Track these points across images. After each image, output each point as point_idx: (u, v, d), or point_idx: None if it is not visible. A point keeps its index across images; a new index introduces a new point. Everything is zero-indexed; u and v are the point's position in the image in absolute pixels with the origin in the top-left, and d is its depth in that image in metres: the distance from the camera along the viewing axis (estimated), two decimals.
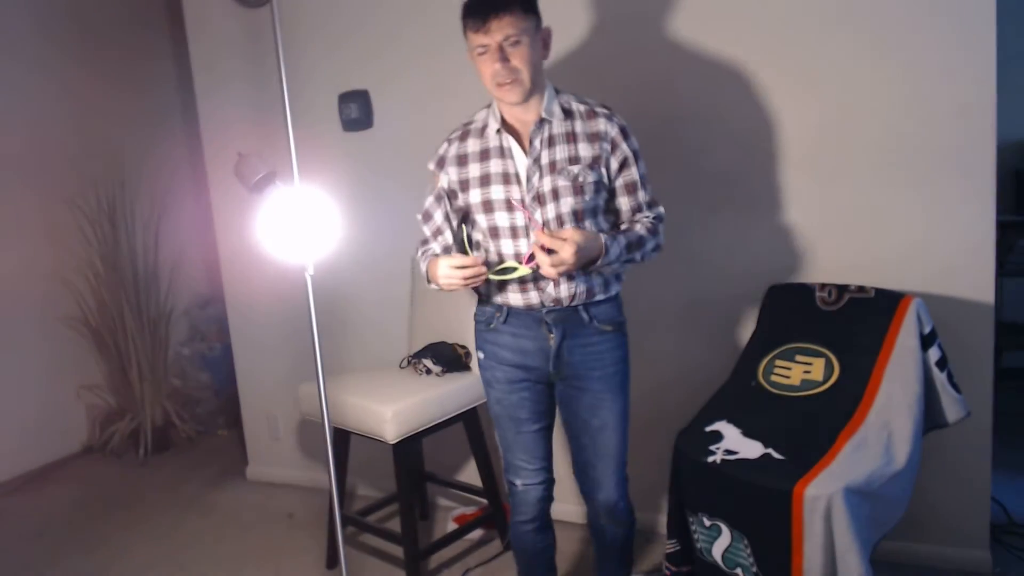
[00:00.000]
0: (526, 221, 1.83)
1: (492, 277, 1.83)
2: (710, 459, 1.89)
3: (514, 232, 1.86)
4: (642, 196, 1.91)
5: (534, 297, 1.87)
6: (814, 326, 2.14)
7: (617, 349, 1.94)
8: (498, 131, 1.86)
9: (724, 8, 2.36)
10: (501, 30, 1.73)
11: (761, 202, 2.41)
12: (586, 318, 1.89)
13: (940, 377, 1.99)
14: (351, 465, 2.62)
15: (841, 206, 2.33)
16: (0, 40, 3.58)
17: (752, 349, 2.22)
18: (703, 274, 2.52)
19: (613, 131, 1.85)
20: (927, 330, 2.00)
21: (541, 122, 1.84)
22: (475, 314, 2.02)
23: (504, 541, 2.68)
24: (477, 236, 1.93)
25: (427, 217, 1.97)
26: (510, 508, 2.09)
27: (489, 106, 1.91)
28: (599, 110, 1.88)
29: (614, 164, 1.86)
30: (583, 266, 1.76)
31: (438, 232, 1.96)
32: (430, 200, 1.96)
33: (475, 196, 1.88)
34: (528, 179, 1.84)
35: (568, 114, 1.86)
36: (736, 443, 1.92)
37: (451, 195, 1.93)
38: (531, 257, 1.77)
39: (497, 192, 1.85)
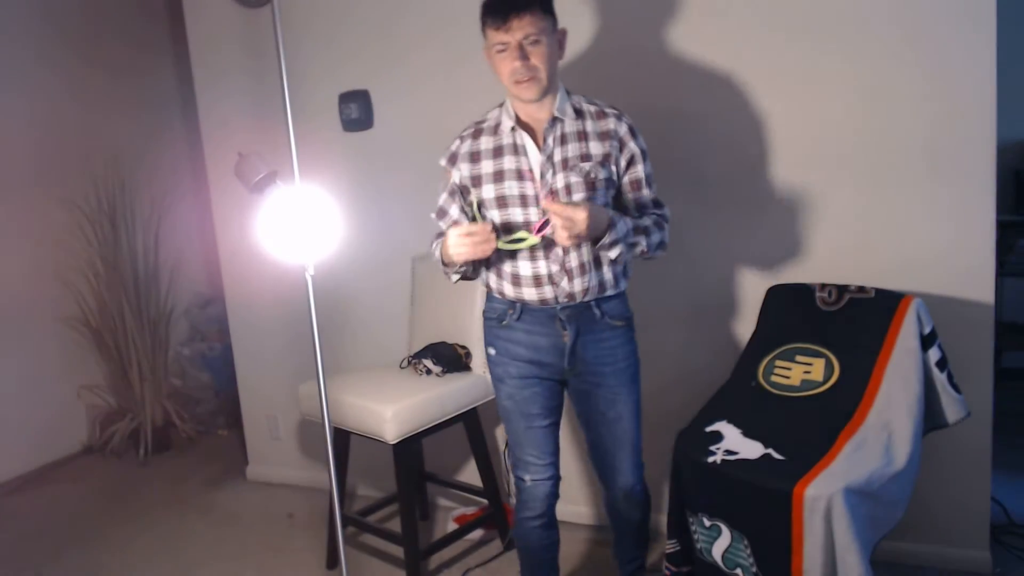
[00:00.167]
0: (539, 216, 1.84)
1: (501, 245, 1.84)
2: (710, 459, 1.89)
3: (527, 228, 1.87)
4: (648, 194, 1.94)
5: (548, 292, 1.90)
6: (814, 326, 2.14)
7: (628, 344, 1.99)
8: (513, 128, 1.89)
9: (724, 9, 2.36)
10: (521, 29, 1.77)
11: (761, 202, 2.41)
12: (598, 314, 1.93)
13: (940, 377, 1.99)
14: (351, 465, 2.62)
15: (841, 206, 2.33)
16: (0, 40, 3.58)
17: (752, 349, 2.22)
18: (703, 274, 2.52)
19: (622, 130, 1.90)
20: (927, 330, 2.00)
21: (554, 120, 1.88)
22: (484, 311, 2.03)
23: (504, 541, 2.69)
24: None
25: (442, 213, 1.98)
26: (516, 505, 2.10)
27: (501, 105, 1.94)
28: (608, 110, 1.93)
29: (622, 162, 1.91)
30: (593, 240, 1.79)
31: (455, 226, 1.96)
32: (444, 196, 1.98)
33: (488, 192, 1.90)
34: (542, 175, 1.87)
35: (579, 114, 1.91)
36: (736, 443, 1.92)
37: (463, 191, 1.95)
38: (540, 227, 1.79)
39: (511, 188, 1.88)
